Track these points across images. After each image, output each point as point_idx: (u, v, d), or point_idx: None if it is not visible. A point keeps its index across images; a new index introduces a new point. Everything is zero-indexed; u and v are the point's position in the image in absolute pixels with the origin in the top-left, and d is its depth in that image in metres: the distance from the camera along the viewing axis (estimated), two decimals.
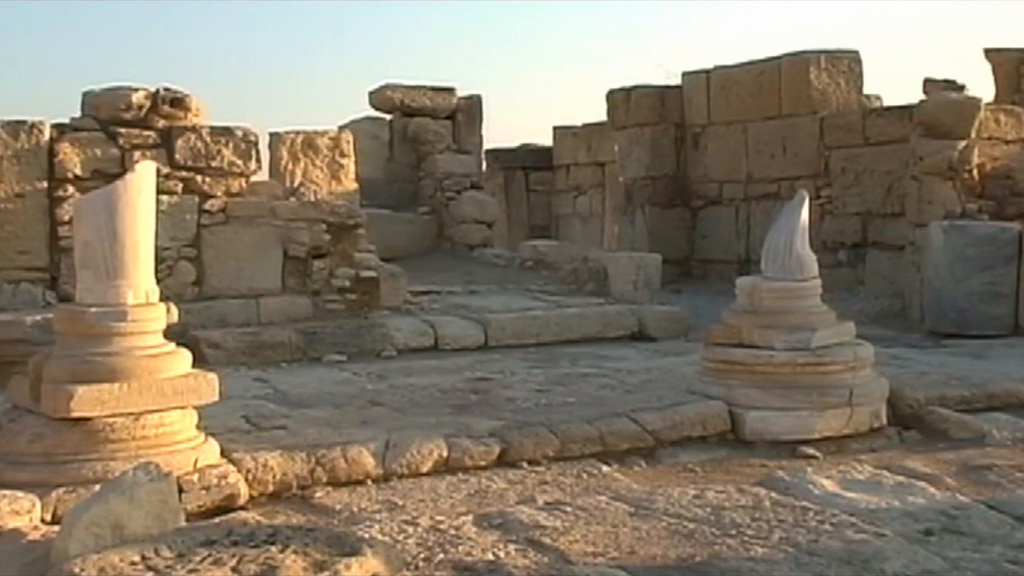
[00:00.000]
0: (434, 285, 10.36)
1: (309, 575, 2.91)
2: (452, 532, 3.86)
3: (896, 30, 33.32)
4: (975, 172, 10.30)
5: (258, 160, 9.01)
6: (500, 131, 22.40)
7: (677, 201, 14.20)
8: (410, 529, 3.89)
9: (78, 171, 8.41)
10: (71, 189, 8.30)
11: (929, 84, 11.90)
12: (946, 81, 11.80)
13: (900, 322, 10.22)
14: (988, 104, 11.15)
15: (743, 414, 5.59)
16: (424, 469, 4.90)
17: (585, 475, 4.95)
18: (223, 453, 4.62)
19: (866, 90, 12.89)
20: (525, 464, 5.08)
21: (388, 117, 13.93)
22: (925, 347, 8.73)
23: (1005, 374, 7.00)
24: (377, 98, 13.90)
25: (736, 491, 4.42)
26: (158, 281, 4.56)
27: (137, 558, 3.00)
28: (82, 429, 4.24)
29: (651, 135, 14.27)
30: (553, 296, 10.25)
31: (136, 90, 8.59)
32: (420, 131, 13.60)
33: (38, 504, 3.92)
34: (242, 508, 4.38)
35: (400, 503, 4.48)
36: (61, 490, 4.12)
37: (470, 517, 4.05)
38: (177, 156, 8.59)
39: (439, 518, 4.05)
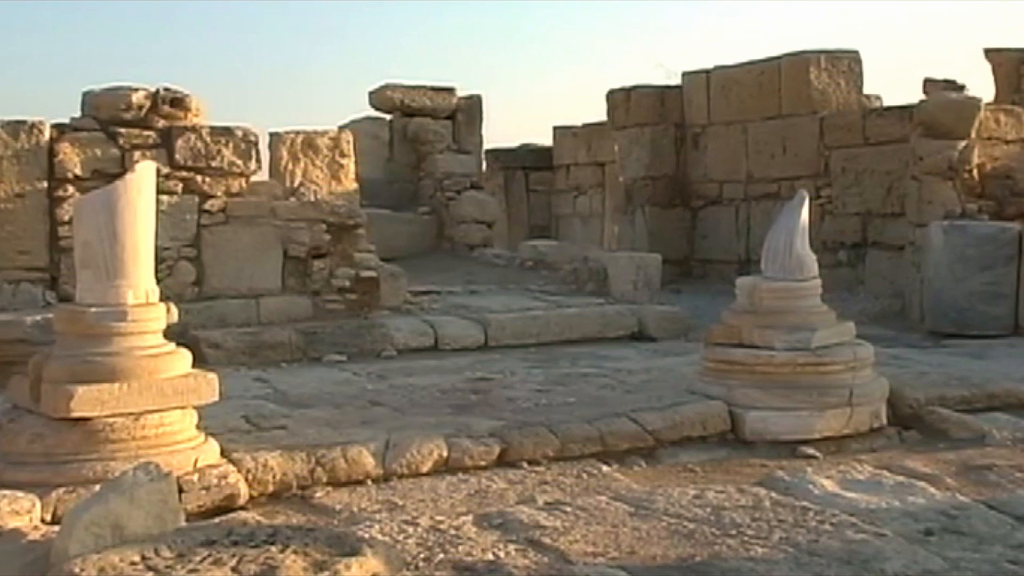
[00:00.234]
0: (434, 285, 10.36)
1: (309, 575, 2.91)
2: (452, 532, 3.86)
3: (896, 30, 33.35)
4: (975, 172, 10.30)
5: (258, 160, 9.01)
6: (500, 131, 22.43)
7: (677, 201, 14.20)
8: (410, 529, 3.89)
9: (78, 171, 8.41)
10: (71, 189, 8.30)
11: (929, 84, 11.91)
12: (946, 81, 11.80)
13: (900, 322, 10.22)
14: (988, 104, 11.15)
15: (743, 414, 5.59)
16: (424, 469, 4.90)
17: (585, 475, 4.95)
18: (223, 453, 4.62)
19: (866, 90, 12.89)
20: (525, 464, 5.08)
21: (388, 117, 13.94)
22: (925, 347, 8.73)
23: (1005, 374, 7.00)
24: (377, 98, 13.90)
25: (736, 491, 4.42)
26: (158, 281, 4.56)
27: (137, 558, 3.00)
28: (82, 429, 4.24)
29: (651, 135, 14.27)
30: (553, 296, 10.25)
31: (136, 90, 8.59)
32: (420, 131, 13.60)
33: (38, 504, 3.92)
34: (242, 508, 4.38)
35: (400, 503, 4.48)
36: (61, 490, 4.12)
37: (470, 517, 4.05)
38: (177, 156, 8.59)
39: (439, 518, 4.05)
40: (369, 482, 4.77)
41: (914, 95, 11.54)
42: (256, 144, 8.93)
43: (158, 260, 4.88)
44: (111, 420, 4.26)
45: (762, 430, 5.54)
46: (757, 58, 13.41)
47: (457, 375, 7.09)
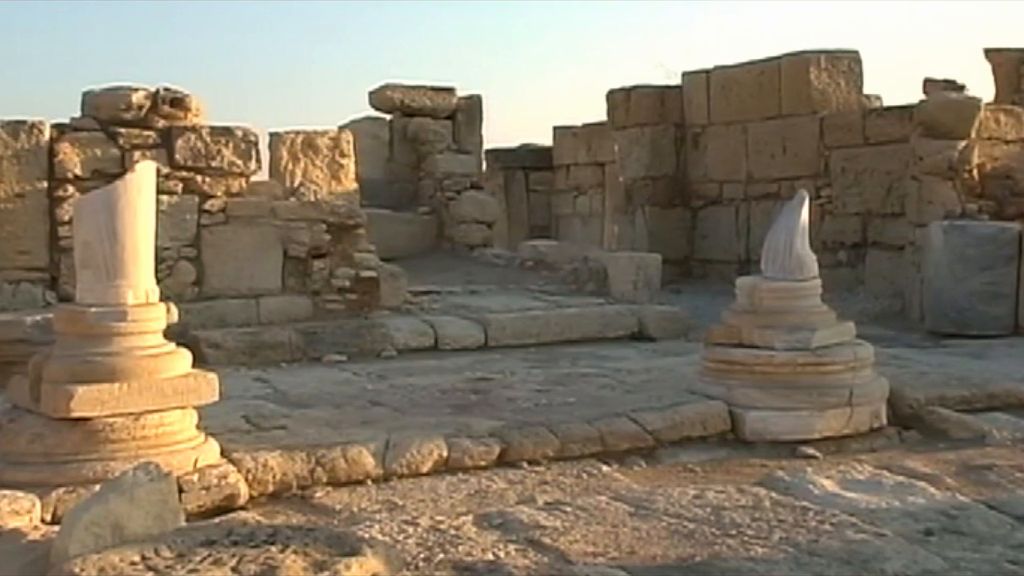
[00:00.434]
0: (434, 285, 10.36)
1: (309, 575, 2.91)
2: (452, 532, 3.86)
3: (896, 30, 33.35)
4: (975, 172, 10.30)
5: (258, 160, 9.01)
6: (500, 131, 22.43)
7: (677, 201, 14.20)
8: (410, 529, 3.89)
9: (78, 171, 8.41)
10: (71, 189, 8.29)
11: (929, 84, 11.91)
12: (946, 81, 11.80)
13: (900, 322, 10.22)
14: (988, 104, 11.15)
15: (743, 414, 5.59)
16: (424, 469, 4.90)
17: (585, 475, 4.95)
18: (223, 453, 4.62)
19: (866, 90, 12.89)
20: (525, 464, 5.08)
21: (388, 117, 13.94)
22: (925, 347, 8.73)
23: (1005, 374, 7.00)
24: (377, 98, 13.90)
25: (736, 491, 4.42)
26: (158, 281, 4.56)
27: (137, 558, 3.00)
28: (82, 429, 4.24)
29: (651, 135, 14.27)
30: (553, 296, 10.25)
31: (136, 90, 8.59)
32: (420, 131, 13.60)
33: (38, 504, 3.92)
34: (242, 508, 4.38)
35: (400, 503, 4.48)
36: (61, 490, 4.12)
37: (470, 517, 4.05)
38: (177, 156, 8.59)
39: (439, 518, 4.05)
40: (369, 482, 4.77)
41: (914, 95, 11.56)
42: (256, 144, 8.93)
43: (158, 260, 4.88)
44: (111, 420, 4.26)
45: (762, 430, 5.54)
46: (757, 58, 13.42)
47: (457, 375, 7.09)
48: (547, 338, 8.91)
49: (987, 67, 13.22)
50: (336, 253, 8.95)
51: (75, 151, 8.44)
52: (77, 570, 2.94)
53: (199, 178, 8.64)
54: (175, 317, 4.60)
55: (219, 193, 8.70)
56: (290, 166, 10.93)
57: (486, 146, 15.13)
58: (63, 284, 8.18)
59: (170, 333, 4.61)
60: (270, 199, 8.91)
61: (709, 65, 14.08)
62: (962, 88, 11.60)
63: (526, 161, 18.08)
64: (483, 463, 5.03)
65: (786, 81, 12.93)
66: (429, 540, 3.78)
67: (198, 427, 4.56)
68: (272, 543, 3.09)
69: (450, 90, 13.95)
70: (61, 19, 35.04)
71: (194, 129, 8.67)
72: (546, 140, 18.25)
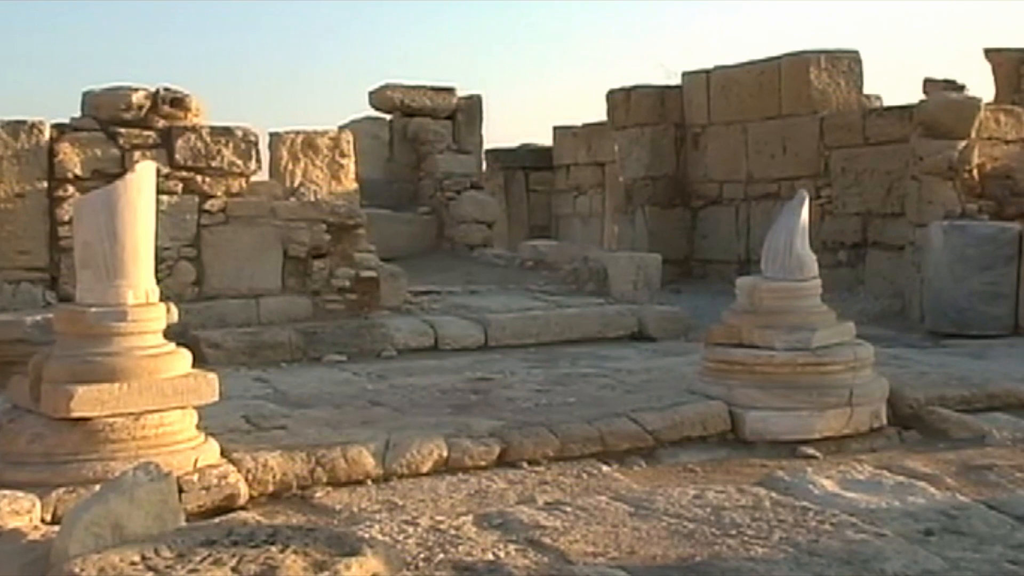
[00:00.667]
0: (434, 285, 10.36)
1: (309, 575, 2.91)
2: (452, 532, 3.86)
3: (896, 30, 33.35)
4: (975, 172, 10.30)
5: (258, 160, 9.01)
6: (500, 131, 22.43)
7: (677, 201, 14.20)
8: (410, 529, 3.89)
9: (78, 171, 8.40)
10: (71, 189, 8.29)
11: (929, 84, 11.91)
12: (946, 81, 11.80)
13: (900, 322, 10.22)
14: (988, 104, 11.15)
15: (743, 414, 5.59)
16: (424, 469, 4.90)
17: (585, 475, 4.95)
18: (223, 453, 4.62)
19: (866, 90, 12.89)
20: (525, 464, 5.08)
21: (388, 117, 13.94)
22: (925, 347, 8.73)
23: (1005, 374, 7.00)
24: (377, 98, 13.90)
25: (736, 491, 4.42)
26: (158, 281, 4.56)
27: (137, 558, 3.00)
28: (82, 429, 4.24)
29: (651, 135, 14.27)
30: (553, 296, 10.25)
31: (136, 90, 8.59)
32: (420, 131, 13.61)
33: (38, 504, 3.92)
34: (242, 508, 4.38)
35: (400, 503, 4.48)
36: (61, 490, 4.12)
37: (470, 517, 4.05)
38: (177, 156, 8.58)
39: (439, 518, 4.05)
40: (369, 482, 4.77)
41: (914, 95, 11.56)
42: (256, 144, 8.93)
43: (158, 260, 4.88)
44: (111, 420, 4.26)
45: (762, 430, 5.54)
46: (757, 58, 13.42)
47: (457, 375, 7.09)
48: (547, 338, 8.91)
49: (987, 67, 13.22)
50: (336, 253, 8.95)
51: (75, 151, 8.44)
52: (77, 570, 2.94)
53: (199, 178, 8.63)
54: (175, 317, 4.60)
55: (219, 193, 8.69)
56: (290, 166, 10.93)
57: (486, 146, 15.15)
58: (63, 284, 8.18)
59: (170, 333, 4.61)
60: (270, 199, 8.91)
61: (709, 65, 14.10)
62: (962, 88, 11.60)
63: (526, 161, 18.09)
64: (483, 463, 5.02)
65: (786, 81, 12.93)
66: (429, 540, 3.78)
67: (198, 427, 4.56)
68: (272, 543, 3.09)
69: (450, 90, 13.96)
70: (61, 19, 35.07)
71: (194, 129, 8.67)
72: (546, 140, 18.26)
